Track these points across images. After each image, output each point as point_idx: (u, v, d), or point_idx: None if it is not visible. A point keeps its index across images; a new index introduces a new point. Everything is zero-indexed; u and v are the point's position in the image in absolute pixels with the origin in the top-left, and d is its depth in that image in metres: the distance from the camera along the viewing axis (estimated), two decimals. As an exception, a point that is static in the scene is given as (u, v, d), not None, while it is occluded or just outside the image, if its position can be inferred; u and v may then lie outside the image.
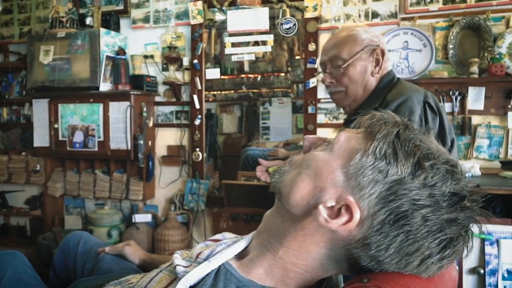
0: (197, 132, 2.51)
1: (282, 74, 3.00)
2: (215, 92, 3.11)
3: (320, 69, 1.41)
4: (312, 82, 2.29)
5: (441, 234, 0.51)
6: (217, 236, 0.77)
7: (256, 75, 3.08)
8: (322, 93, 2.28)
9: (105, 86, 2.41)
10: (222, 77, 2.81)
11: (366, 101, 1.26)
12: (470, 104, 2.06)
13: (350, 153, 0.55)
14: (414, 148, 0.52)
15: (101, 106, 2.42)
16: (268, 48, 2.41)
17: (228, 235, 0.78)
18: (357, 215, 0.52)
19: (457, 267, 0.65)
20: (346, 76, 1.23)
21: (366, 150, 0.53)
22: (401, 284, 0.51)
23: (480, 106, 2.05)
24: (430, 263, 0.52)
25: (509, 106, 2.00)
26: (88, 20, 2.53)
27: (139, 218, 2.43)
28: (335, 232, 0.54)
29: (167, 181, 2.61)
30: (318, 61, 1.43)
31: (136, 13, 2.64)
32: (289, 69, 2.93)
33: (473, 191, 0.53)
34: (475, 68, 1.98)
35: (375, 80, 1.26)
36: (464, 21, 2.04)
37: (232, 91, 3.18)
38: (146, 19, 2.62)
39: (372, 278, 0.53)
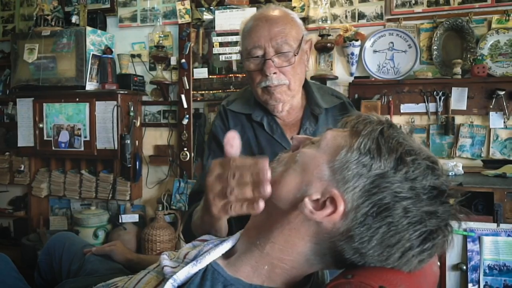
0: (184, 131, 2.50)
1: (270, 74, 3.01)
2: (203, 92, 3.10)
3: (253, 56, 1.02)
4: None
5: (421, 226, 0.53)
6: (205, 237, 0.77)
7: (245, 75, 3.08)
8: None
9: (91, 85, 2.38)
10: (211, 76, 2.80)
11: (311, 99, 1.12)
12: (453, 104, 2.10)
13: (336, 149, 0.57)
14: (397, 145, 0.54)
15: (87, 105, 2.38)
16: (255, 48, 2.42)
17: (215, 235, 0.78)
18: (341, 207, 0.54)
19: (438, 263, 0.66)
20: (292, 67, 1.02)
21: (352, 146, 0.56)
22: (384, 279, 0.52)
23: (463, 106, 2.09)
24: (410, 256, 0.54)
25: (491, 106, 2.05)
26: (74, 19, 2.50)
27: (126, 218, 2.40)
28: (320, 225, 0.56)
29: (155, 181, 2.59)
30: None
31: (123, 12, 2.62)
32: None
33: (453, 187, 0.55)
34: (458, 69, 2.03)
35: (304, 75, 1.10)
36: (448, 23, 2.09)
37: (221, 91, 3.17)
38: (133, 18, 2.60)
39: (356, 274, 0.54)
